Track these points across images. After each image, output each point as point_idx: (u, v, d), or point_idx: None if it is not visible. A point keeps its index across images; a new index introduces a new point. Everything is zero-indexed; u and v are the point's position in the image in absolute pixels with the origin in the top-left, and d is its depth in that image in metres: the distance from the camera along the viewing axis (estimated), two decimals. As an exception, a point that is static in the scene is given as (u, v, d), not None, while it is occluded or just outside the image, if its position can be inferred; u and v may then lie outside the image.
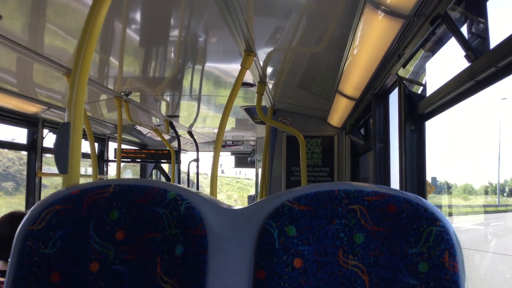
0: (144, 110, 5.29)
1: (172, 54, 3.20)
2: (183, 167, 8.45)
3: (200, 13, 2.45)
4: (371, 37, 2.24)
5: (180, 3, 2.31)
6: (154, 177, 8.70)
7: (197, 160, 7.47)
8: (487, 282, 5.16)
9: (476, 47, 1.66)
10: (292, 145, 4.99)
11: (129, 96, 4.35)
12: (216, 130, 3.87)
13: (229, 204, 1.13)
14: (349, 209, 1.02)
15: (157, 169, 8.63)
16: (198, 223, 1.05)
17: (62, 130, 1.23)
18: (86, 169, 7.17)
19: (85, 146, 5.12)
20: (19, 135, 4.97)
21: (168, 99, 4.94)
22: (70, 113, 1.25)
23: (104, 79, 3.87)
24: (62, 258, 1.05)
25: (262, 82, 3.55)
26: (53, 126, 5.15)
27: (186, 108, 5.55)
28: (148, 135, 7.40)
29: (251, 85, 3.86)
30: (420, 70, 2.39)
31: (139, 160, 6.93)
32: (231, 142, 9.31)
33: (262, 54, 2.99)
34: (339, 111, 4.20)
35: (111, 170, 6.99)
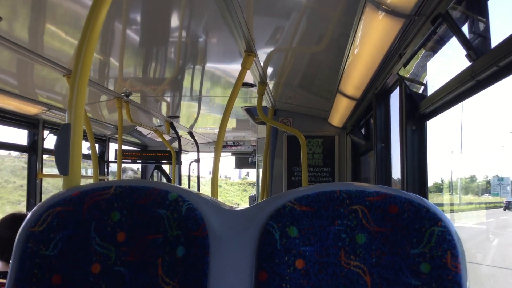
0: (144, 111, 5.29)
1: (173, 55, 3.20)
2: (184, 168, 8.45)
3: (200, 13, 2.44)
4: (372, 36, 2.24)
5: (180, 3, 2.31)
6: (154, 178, 8.69)
7: (197, 160, 7.47)
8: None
9: (477, 46, 1.65)
10: (293, 145, 4.98)
11: (129, 97, 4.35)
12: (216, 131, 3.87)
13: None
14: (350, 210, 1.01)
15: (158, 170, 8.63)
16: (199, 224, 1.05)
17: (63, 132, 1.23)
18: (86, 170, 7.18)
19: (86, 147, 5.12)
20: (20, 136, 4.98)
21: (168, 99, 4.94)
22: (71, 115, 1.25)
23: (104, 80, 3.87)
24: (63, 260, 1.05)
25: (263, 82, 3.55)
26: (54, 127, 5.15)
27: (187, 109, 5.54)
28: (149, 136, 7.40)
29: (251, 85, 3.85)
30: (421, 69, 2.38)
31: (140, 161, 6.92)
32: (231, 142, 9.30)
33: (262, 54, 2.98)
34: (340, 111, 4.20)
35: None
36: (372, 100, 3.17)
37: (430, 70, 2.37)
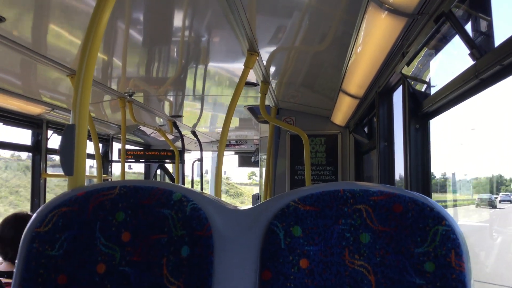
0: (147, 110, 5.30)
1: (175, 54, 3.20)
2: (187, 167, 8.46)
3: (203, 13, 2.45)
4: (375, 35, 2.24)
5: (183, 3, 2.31)
6: (158, 178, 8.71)
7: (201, 160, 7.48)
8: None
9: (480, 45, 1.65)
10: (296, 144, 4.98)
11: (132, 97, 4.36)
12: (219, 130, 3.88)
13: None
14: (354, 209, 1.01)
15: (161, 169, 8.64)
16: (203, 224, 1.05)
17: (68, 132, 1.24)
18: (89, 169, 7.19)
19: (89, 147, 5.13)
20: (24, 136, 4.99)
21: (171, 99, 4.95)
22: (75, 115, 1.25)
23: (107, 80, 3.88)
24: (69, 260, 1.05)
25: (266, 81, 3.55)
26: (57, 127, 5.17)
27: (190, 108, 5.55)
28: (152, 135, 7.41)
29: (254, 84, 3.86)
30: (424, 68, 2.38)
31: (143, 160, 6.93)
32: (234, 141, 9.31)
33: (265, 53, 2.98)
34: (343, 110, 4.20)
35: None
36: (375, 98, 3.17)
37: (433, 69, 2.37)
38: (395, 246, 0.98)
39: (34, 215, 1.09)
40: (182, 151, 6.46)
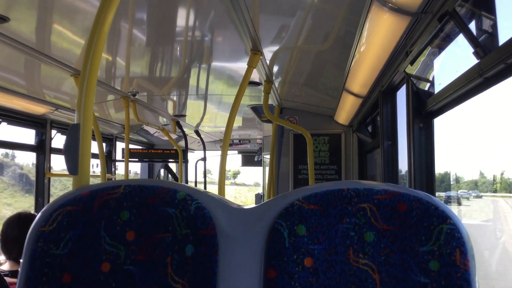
0: (151, 110, 5.31)
1: (179, 54, 3.21)
2: (190, 166, 8.48)
3: (206, 12, 2.45)
4: (378, 34, 2.23)
5: (186, 2, 2.31)
6: (161, 177, 8.72)
7: (204, 159, 7.48)
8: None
9: (484, 43, 1.65)
10: (299, 143, 4.98)
11: (136, 96, 4.37)
12: (223, 129, 3.88)
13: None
14: (359, 208, 1.01)
15: (165, 169, 8.65)
16: (208, 223, 1.06)
17: (72, 132, 1.24)
18: (93, 169, 7.20)
19: (93, 146, 5.13)
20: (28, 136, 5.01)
21: (175, 98, 4.96)
22: (80, 115, 1.26)
23: (111, 80, 3.89)
24: (74, 259, 1.06)
25: (269, 80, 3.55)
26: (61, 127, 5.18)
27: (193, 108, 5.56)
28: (155, 134, 7.42)
29: (257, 83, 3.85)
30: (428, 67, 2.38)
31: (147, 159, 6.94)
32: (238, 140, 9.31)
33: (268, 52, 2.98)
34: (346, 109, 4.19)
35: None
36: (379, 97, 3.17)
37: (437, 68, 2.37)
38: (400, 245, 0.98)
39: (39, 214, 1.10)
40: (185, 151, 6.47)
